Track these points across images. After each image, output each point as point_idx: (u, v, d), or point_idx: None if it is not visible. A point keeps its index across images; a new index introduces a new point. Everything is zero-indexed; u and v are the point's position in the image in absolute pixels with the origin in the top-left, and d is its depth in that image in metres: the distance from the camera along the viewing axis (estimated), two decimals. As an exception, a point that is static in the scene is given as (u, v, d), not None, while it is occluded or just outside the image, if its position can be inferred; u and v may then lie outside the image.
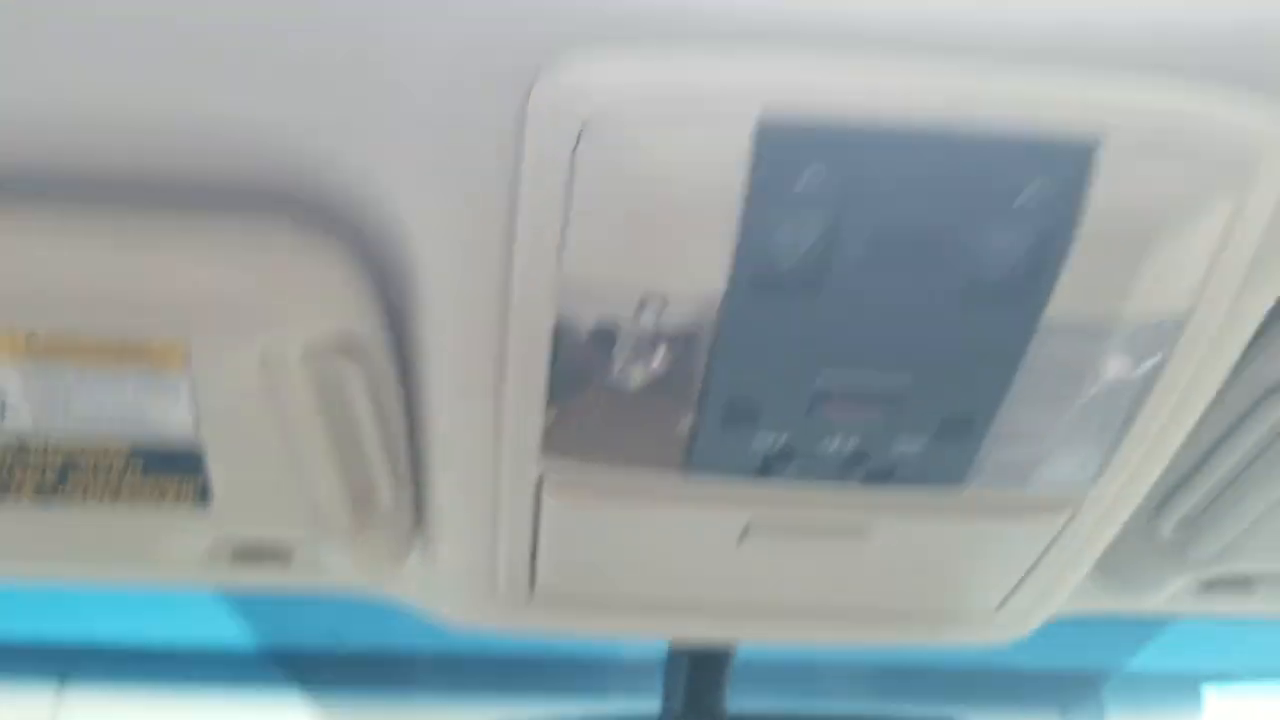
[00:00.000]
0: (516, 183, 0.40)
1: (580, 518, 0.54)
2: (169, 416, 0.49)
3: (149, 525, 0.55)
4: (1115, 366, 0.46)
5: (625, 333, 0.46)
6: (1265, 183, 0.40)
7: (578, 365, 0.48)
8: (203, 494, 0.53)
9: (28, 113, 0.41)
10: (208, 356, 0.47)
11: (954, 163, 0.38)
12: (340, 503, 0.54)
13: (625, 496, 0.52)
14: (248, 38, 0.38)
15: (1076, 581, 0.62)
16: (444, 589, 0.64)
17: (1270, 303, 0.46)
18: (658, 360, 0.47)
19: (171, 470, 0.52)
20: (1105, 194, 0.39)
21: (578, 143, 0.38)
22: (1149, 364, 0.46)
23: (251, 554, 0.59)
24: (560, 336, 0.45)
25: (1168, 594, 0.66)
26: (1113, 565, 0.64)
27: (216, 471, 0.52)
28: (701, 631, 0.68)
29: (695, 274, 0.42)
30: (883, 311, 0.43)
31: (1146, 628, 1.43)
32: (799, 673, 1.40)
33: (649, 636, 0.73)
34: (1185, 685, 1.54)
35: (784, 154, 0.38)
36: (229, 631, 1.45)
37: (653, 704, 0.93)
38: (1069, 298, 0.42)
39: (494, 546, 0.58)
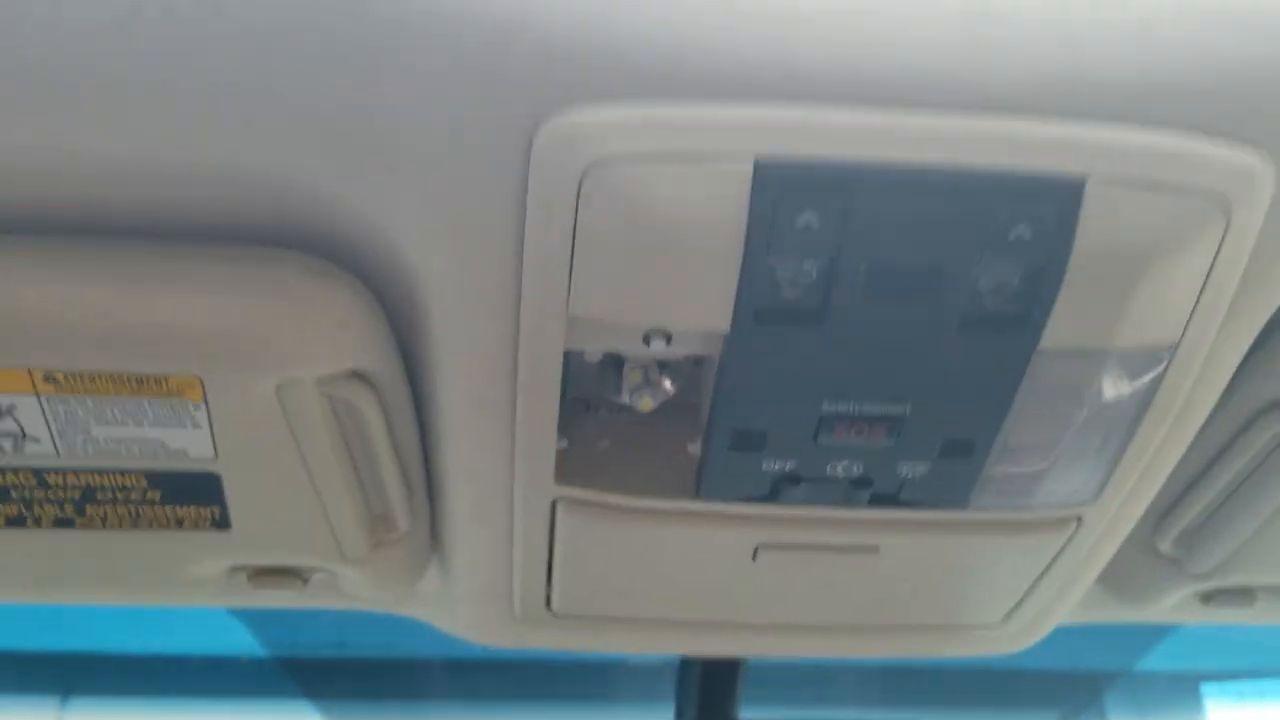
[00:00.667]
0: (522, 225, 0.41)
1: (594, 539, 0.55)
2: (187, 446, 0.50)
3: (168, 552, 0.56)
4: (1111, 389, 0.47)
5: (633, 363, 0.47)
6: (1246, 214, 0.41)
7: (588, 393, 0.49)
8: (221, 521, 0.54)
9: (55, 160, 0.42)
10: (224, 390, 0.48)
11: (947, 201, 0.39)
12: (357, 527, 0.55)
13: (638, 519, 0.53)
14: (267, 94, 0.39)
15: (1080, 595, 0.63)
16: (460, 609, 0.65)
17: (1261, 324, 0.48)
18: (666, 388, 0.48)
19: (189, 498, 0.53)
20: (1094, 228, 0.40)
21: (581, 186, 0.39)
22: (1144, 385, 0.47)
23: (269, 577, 0.60)
24: (570, 367, 0.46)
25: (1169, 605, 0.67)
26: (1115, 578, 0.65)
27: (234, 499, 0.53)
28: (714, 649, 0.69)
29: (699, 311, 0.43)
30: (883, 342, 0.44)
31: (1147, 630, 1.43)
32: (806, 673, 1.40)
33: (663, 653, 0.74)
34: (1186, 687, 1.54)
35: (782, 195, 0.39)
36: (235, 640, 1.44)
37: (665, 712, 0.93)
38: (1063, 325, 0.43)
39: (509, 568, 0.58)
